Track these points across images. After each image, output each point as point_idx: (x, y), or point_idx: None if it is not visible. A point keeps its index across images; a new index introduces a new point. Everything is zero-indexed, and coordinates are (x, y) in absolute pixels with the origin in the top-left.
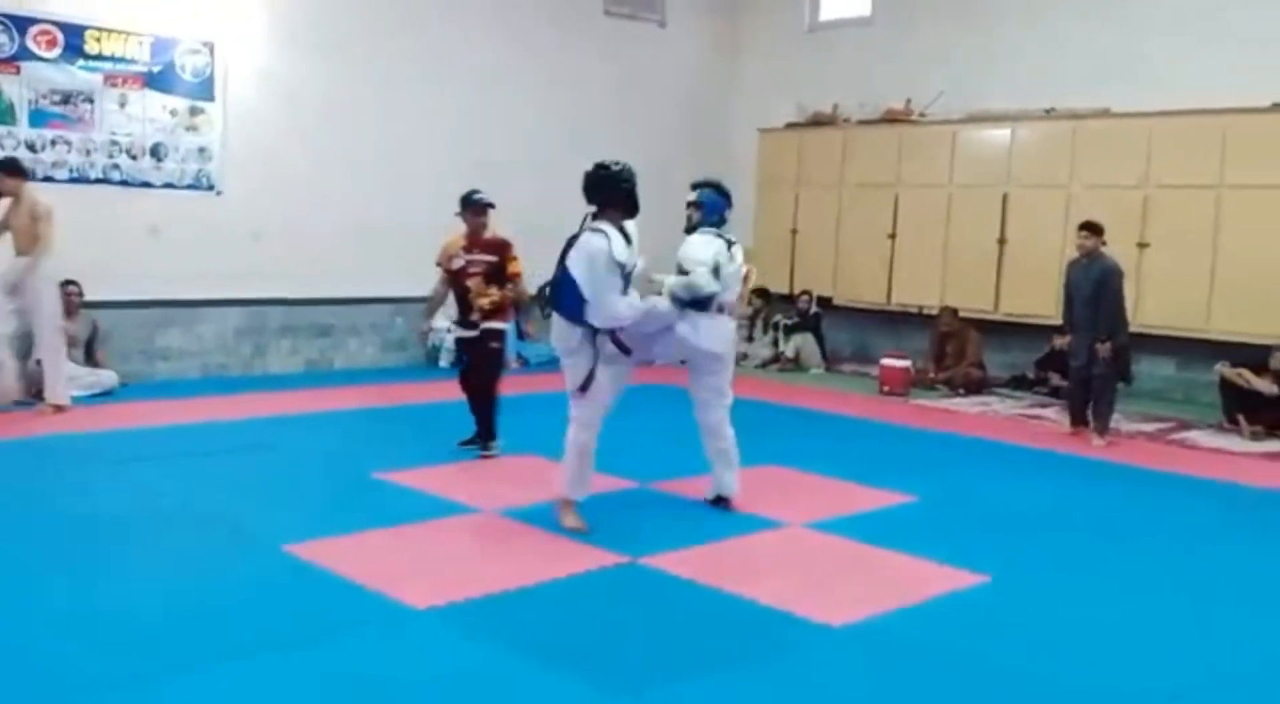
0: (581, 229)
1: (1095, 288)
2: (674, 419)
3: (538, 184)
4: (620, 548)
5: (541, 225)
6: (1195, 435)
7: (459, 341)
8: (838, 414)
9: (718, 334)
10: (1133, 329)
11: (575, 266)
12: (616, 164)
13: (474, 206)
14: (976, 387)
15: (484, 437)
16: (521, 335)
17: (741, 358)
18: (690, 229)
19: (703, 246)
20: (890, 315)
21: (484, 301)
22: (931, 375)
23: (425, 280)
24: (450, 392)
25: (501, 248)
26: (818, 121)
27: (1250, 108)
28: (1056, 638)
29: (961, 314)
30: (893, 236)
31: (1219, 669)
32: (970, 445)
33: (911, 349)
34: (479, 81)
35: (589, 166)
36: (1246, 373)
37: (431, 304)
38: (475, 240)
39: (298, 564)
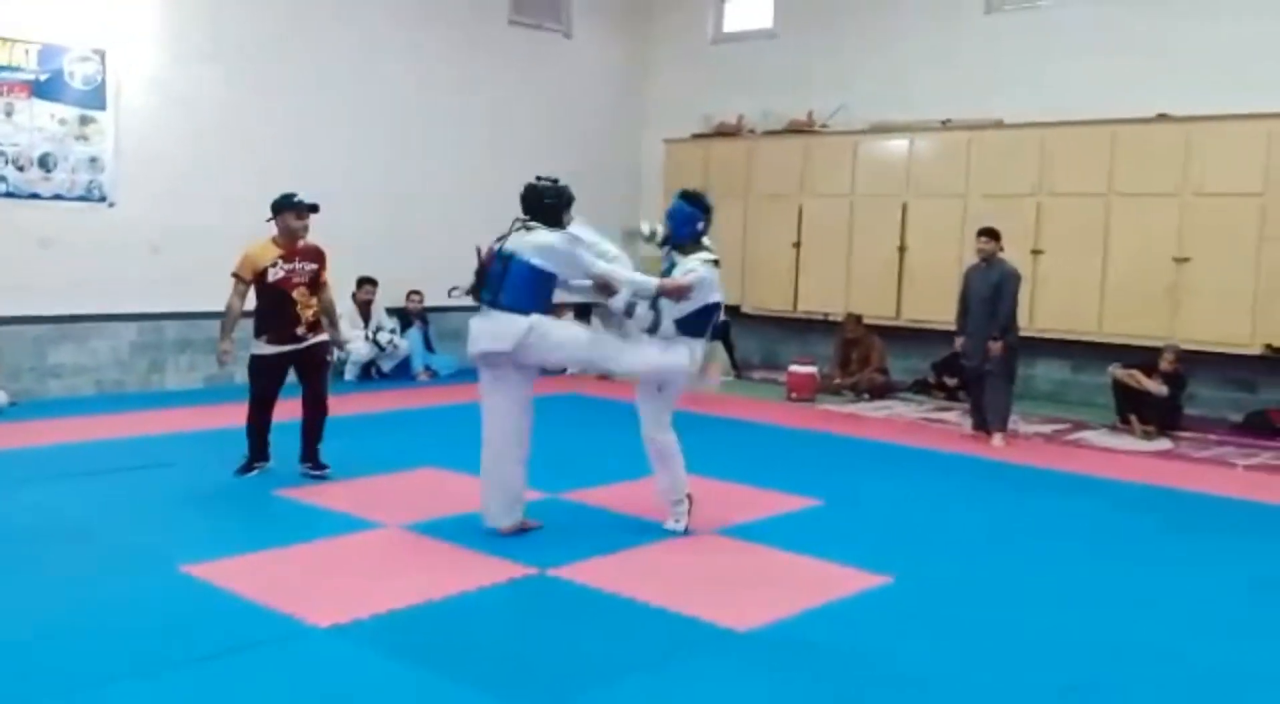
0: (511, 230)
1: (994, 291)
2: (583, 429)
3: (442, 192)
4: (528, 560)
5: (447, 234)
6: (1090, 435)
7: (268, 358)
8: (747, 420)
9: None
10: (1028, 333)
11: (538, 255)
12: (554, 182)
13: (297, 209)
14: (881, 391)
15: (313, 457)
16: (429, 347)
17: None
18: (662, 243)
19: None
20: (797, 323)
21: (309, 313)
22: (837, 381)
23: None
24: (355, 405)
25: (320, 255)
26: (723, 132)
27: (1137, 118)
28: (957, 636)
29: (865, 321)
30: (797, 245)
31: (1111, 665)
32: (875, 449)
33: (818, 355)
34: (379, 90)
35: (495, 174)
36: (1138, 374)
37: (228, 321)
38: (293, 248)
39: (196, 584)
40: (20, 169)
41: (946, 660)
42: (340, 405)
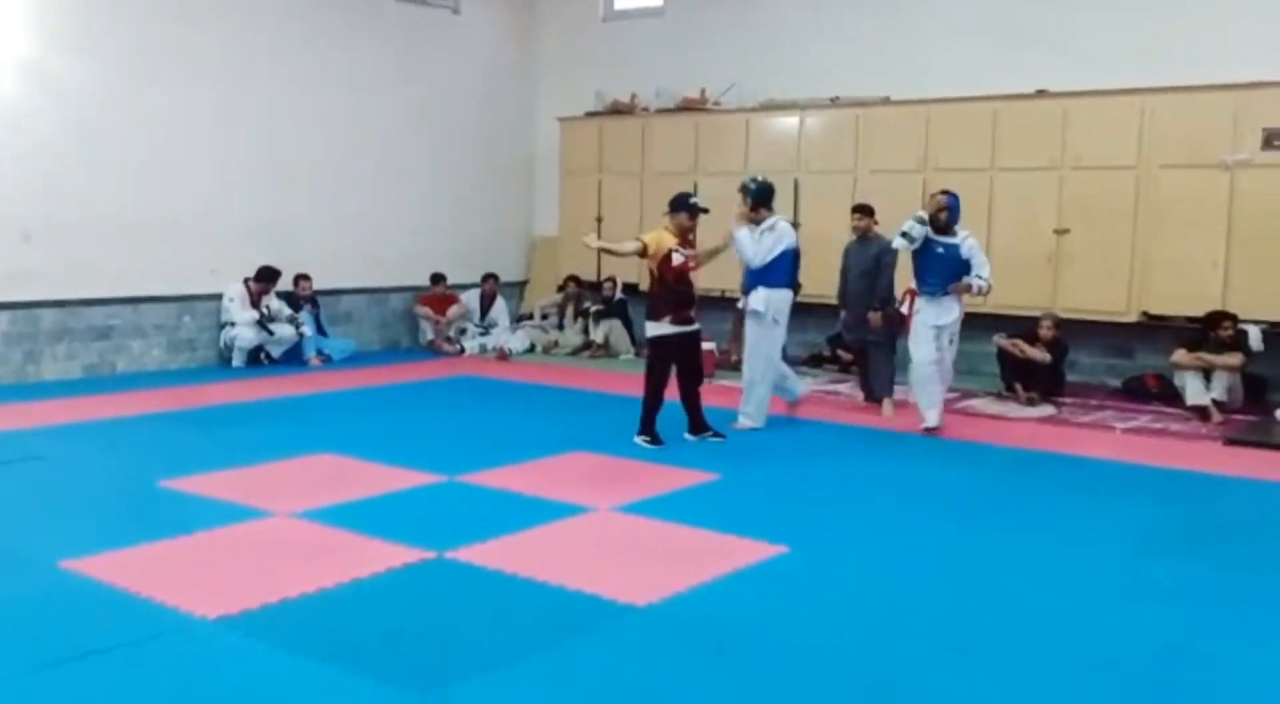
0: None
1: (873, 263)
2: (479, 412)
3: (327, 174)
4: (427, 543)
5: (333, 216)
6: (977, 403)
7: (671, 338)
8: (639, 397)
9: None
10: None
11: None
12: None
13: (691, 210)
14: None
15: (701, 427)
16: (321, 331)
17: (552, 346)
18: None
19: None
20: None
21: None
22: (734, 357)
23: (213, 277)
24: (243, 391)
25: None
26: (617, 110)
27: (1017, 94)
28: (850, 604)
29: None
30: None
31: (999, 627)
32: (770, 422)
33: (714, 331)
34: (259, 71)
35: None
36: (1021, 343)
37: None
38: (685, 240)
39: (77, 579)
40: None
41: (841, 628)
42: (230, 392)
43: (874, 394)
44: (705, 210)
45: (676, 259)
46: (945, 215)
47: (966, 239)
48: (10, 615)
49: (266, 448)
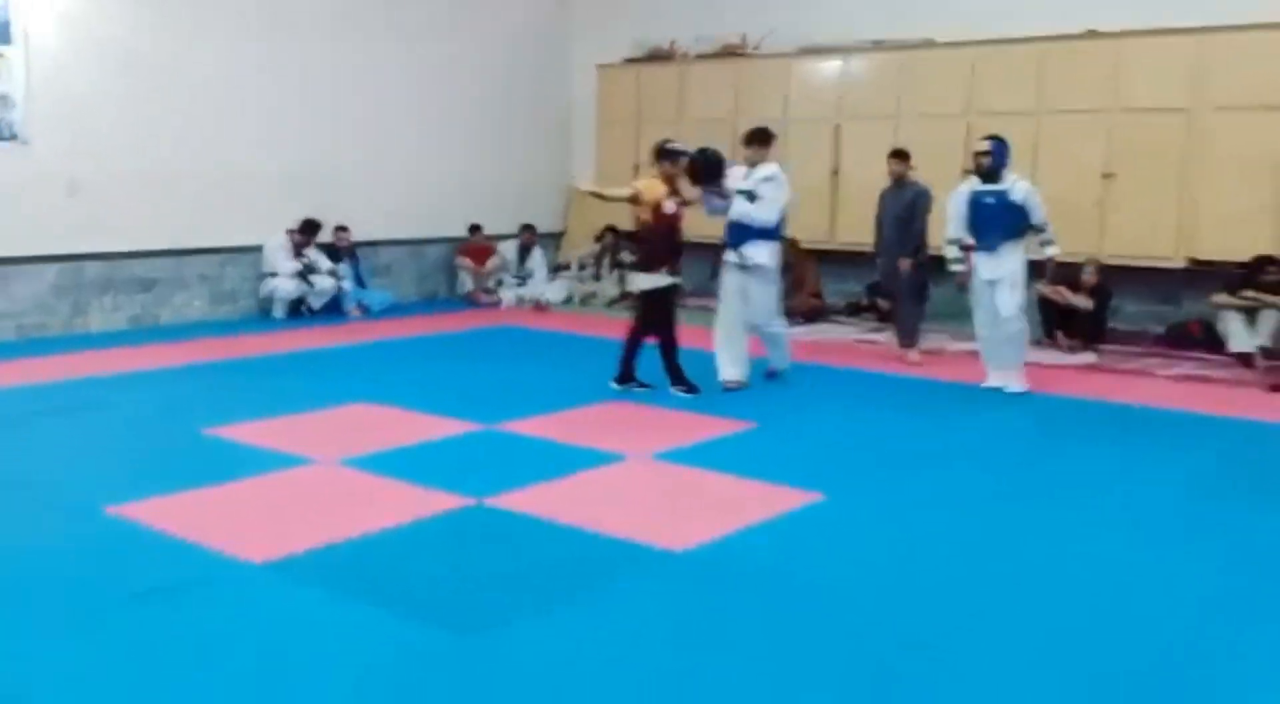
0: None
1: (908, 210)
2: (516, 363)
3: (365, 125)
4: (466, 490)
5: (373, 167)
6: None
7: (668, 288)
8: (684, 347)
9: None
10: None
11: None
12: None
13: (674, 157)
14: (815, 314)
15: (682, 379)
16: (360, 283)
17: (590, 297)
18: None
19: None
20: None
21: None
22: None
23: (255, 227)
24: (284, 342)
25: (684, 202)
26: (655, 57)
27: (1064, 34)
28: (889, 551)
29: (800, 244)
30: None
31: (1049, 570)
32: (809, 371)
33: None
34: (299, 22)
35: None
36: (1063, 290)
37: (608, 191)
38: (674, 187)
39: (124, 525)
40: None
41: (879, 575)
42: (271, 343)
43: (902, 342)
44: (686, 154)
45: (669, 207)
46: (987, 161)
47: (1017, 184)
48: (59, 560)
49: (308, 398)
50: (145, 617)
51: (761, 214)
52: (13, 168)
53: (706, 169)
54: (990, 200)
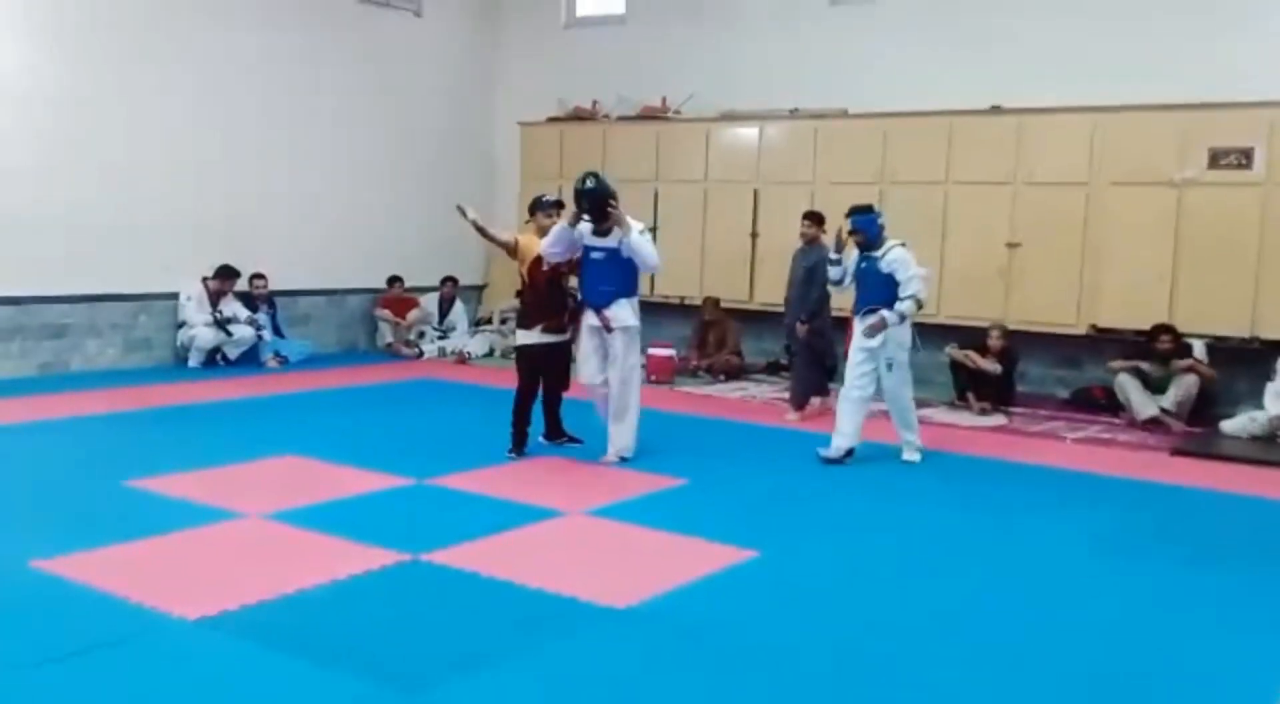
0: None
1: (808, 273)
2: (442, 415)
3: (286, 173)
4: (401, 546)
5: (291, 216)
6: (930, 412)
7: (539, 347)
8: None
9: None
10: None
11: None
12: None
13: (550, 206)
14: (736, 373)
15: (559, 433)
16: (278, 333)
17: (511, 351)
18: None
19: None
20: (653, 306)
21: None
22: (694, 363)
23: (171, 275)
24: (202, 392)
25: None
26: (579, 116)
27: (971, 110)
28: (822, 606)
29: (721, 304)
30: (654, 230)
31: (965, 622)
32: (733, 429)
33: (673, 337)
34: (219, 71)
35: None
36: (973, 354)
37: (494, 235)
38: None
39: (51, 579)
40: None
41: (815, 629)
42: (188, 393)
43: (791, 401)
44: (560, 204)
45: (547, 262)
46: (861, 239)
47: (890, 251)
48: None
49: (231, 449)
50: (79, 674)
51: (652, 254)
52: None
53: (591, 200)
54: (864, 265)
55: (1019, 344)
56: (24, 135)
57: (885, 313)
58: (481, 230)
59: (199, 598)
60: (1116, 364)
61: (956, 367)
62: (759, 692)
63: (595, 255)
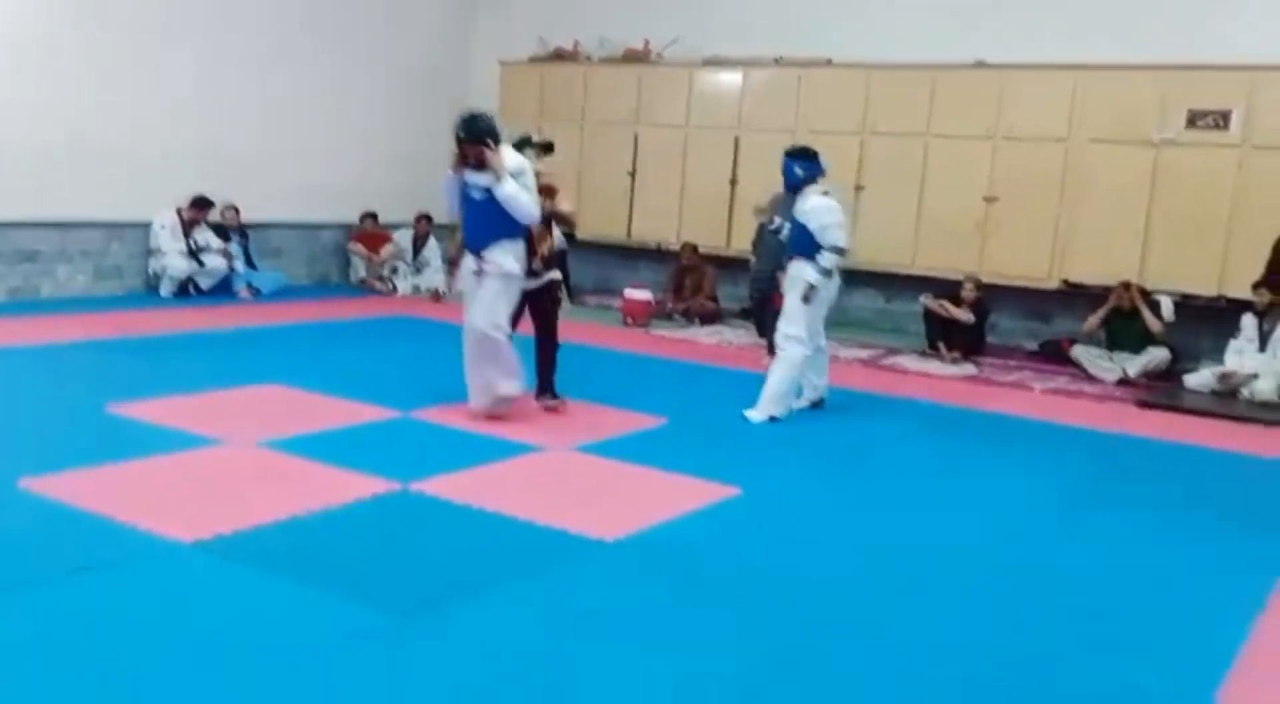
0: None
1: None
2: (421, 351)
3: (259, 106)
4: (389, 475)
5: (263, 148)
6: (903, 361)
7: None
8: (585, 344)
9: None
10: (847, 265)
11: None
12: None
13: (539, 147)
14: (711, 317)
15: (550, 389)
16: (250, 264)
17: None
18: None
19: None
20: (630, 250)
21: (544, 248)
22: (670, 307)
23: (144, 203)
24: (175, 321)
25: (552, 193)
26: (560, 57)
27: (954, 64)
28: (803, 540)
29: (699, 250)
30: (633, 174)
31: (942, 560)
32: (709, 372)
33: (649, 282)
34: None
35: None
36: (947, 304)
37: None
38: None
39: (42, 500)
40: None
41: (797, 560)
42: (162, 321)
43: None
44: (549, 147)
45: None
46: (784, 181)
47: (808, 200)
48: None
49: (212, 377)
50: (78, 592)
51: (528, 203)
52: None
53: (463, 141)
54: (793, 218)
55: (991, 296)
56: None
57: (809, 278)
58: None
59: (193, 521)
60: (1090, 324)
61: (930, 316)
62: (747, 620)
63: (475, 195)
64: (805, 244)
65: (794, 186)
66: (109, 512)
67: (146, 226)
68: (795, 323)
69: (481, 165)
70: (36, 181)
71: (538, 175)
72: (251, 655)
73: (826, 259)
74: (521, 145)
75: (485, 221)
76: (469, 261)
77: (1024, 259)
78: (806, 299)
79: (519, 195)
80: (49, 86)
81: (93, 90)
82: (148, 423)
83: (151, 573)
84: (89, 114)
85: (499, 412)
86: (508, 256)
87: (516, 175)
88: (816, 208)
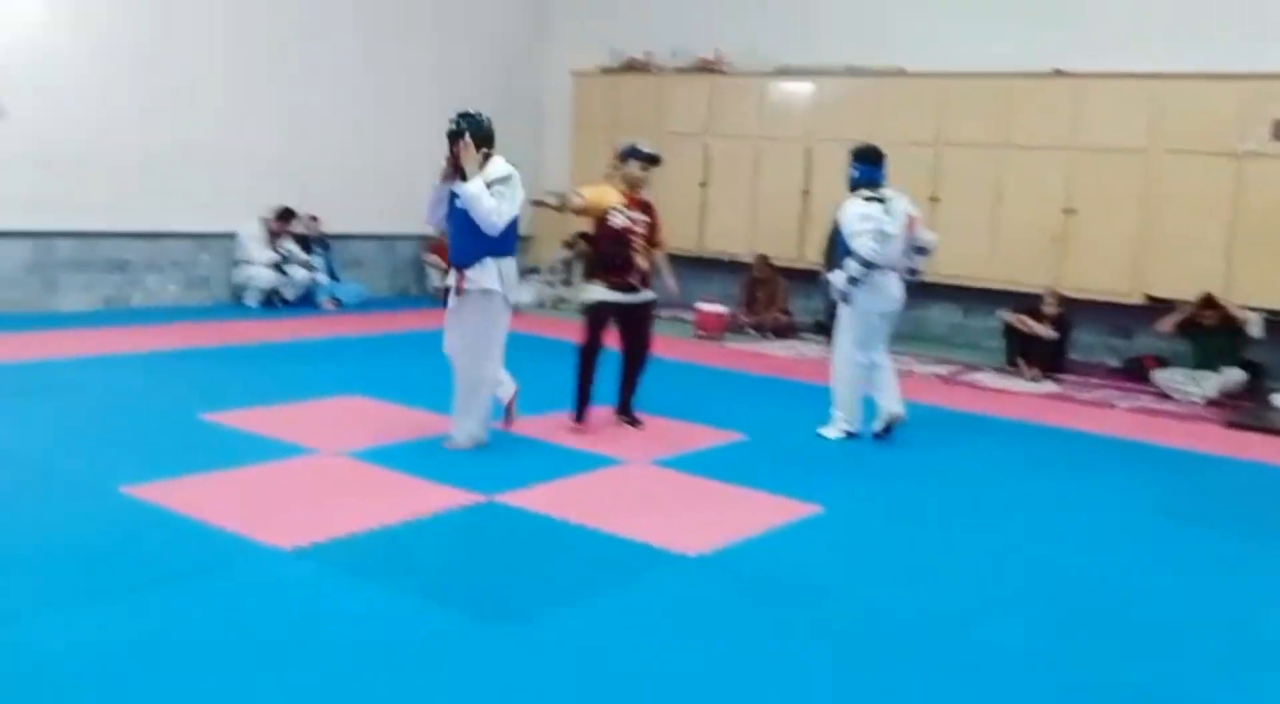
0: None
1: None
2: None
3: (340, 117)
4: (473, 486)
5: (346, 159)
6: (981, 377)
7: (605, 305)
8: (660, 357)
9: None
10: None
11: None
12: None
13: (646, 159)
14: (784, 331)
15: (628, 407)
16: (333, 276)
17: (560, 302)
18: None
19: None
20: (701, 262)
21: (644, 264)
22: (743, 319)
23: (230, 214)
24: (262, 332)
25: (651, 210)
26: (632, 67)
27: (1032, 72)
28: (891, 560)
29: (771, 262)
30: (704, 185)
31: (1033, 582)
32: (786, 386)
33: (720, 294)
34: (283, 13)
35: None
36: (1028, 319)
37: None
38: (632, 197)
39: (143, 506)
40: None
41: (882, 584)
42: (250, 332)
43: None
44: (655, 159)
45: (616, 221)
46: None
47: (844, 205)
48: (85, 540)
49: (298, 387)
50: (182, 596)
51: (489, 207)
52: None
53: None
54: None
55: (1071, 311)
56: (91, 73)
57: (830, 275)
58: (559, 207)
59: (289, 529)
60: (1166, 325)
61: (1010, 331)
62: (831, 643)
63: (459, 204)
64: (843, 250)
65: (853, 188)
66: (209, 518)
67: (232, 237)
68: (841, 332)
69: (457, 165)
70: (128, 193)
71: (636, 184)
72: (347, 660)
73: (851, 267)
74: (627, 155)
75: (470, 235)
76: (451, 277)
77: (1105, 273)
78: (844, 299)
79: (481, 198)
80: (142, 102)
81: (183, 105)
82: (240, 430)
83: (252, 579)
84: (179, 128)
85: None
86: (490, 273)
87: (499, 181)
88: (845, 213)
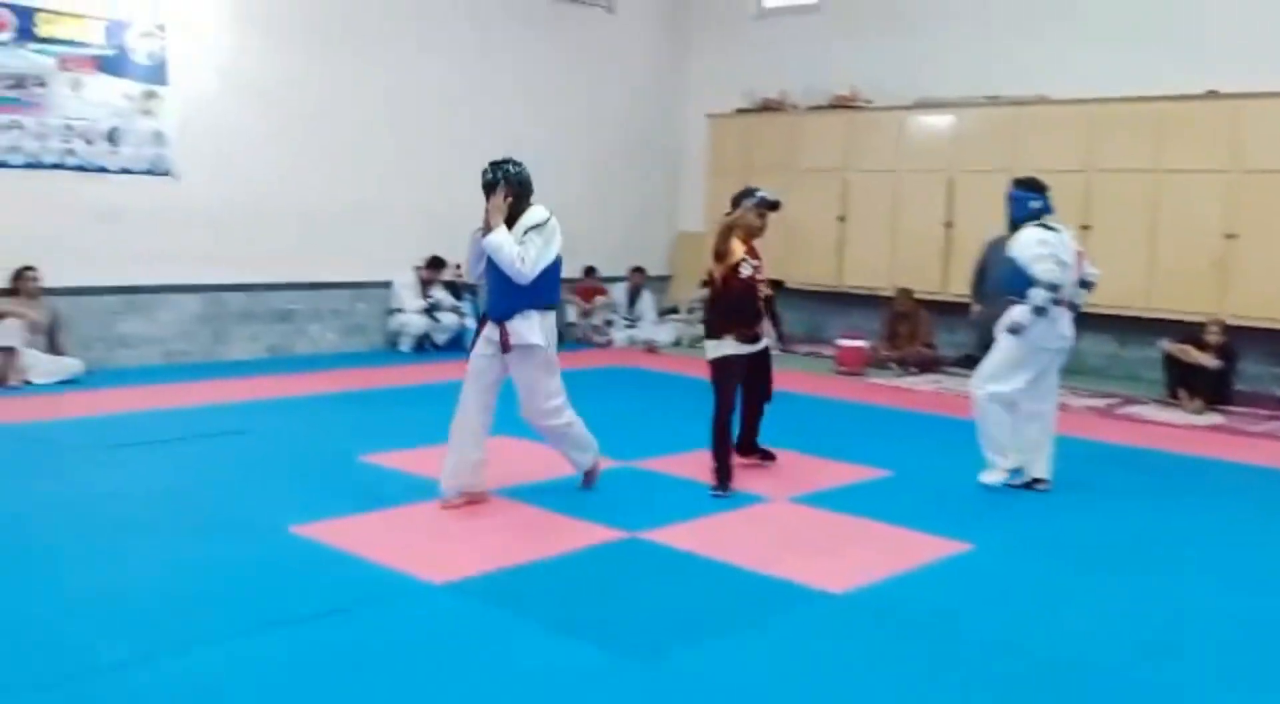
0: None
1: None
2: (638, 402)
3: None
4: (617, 523)
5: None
6: (1142, 410)
7: (737, 359)
8: (800, 393)
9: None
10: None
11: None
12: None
13: (769, 206)
14: (928, 365)
15: (753, 446)
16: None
17: (698, 341)
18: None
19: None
20: (840, 296)
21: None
22: (884, 354)
23: (381, 265)
24: (416, 375)
25: (758, 255)
26: (767, 108)
27: (1185, 95)
28: (1042, 601)
29: (914, 295)
30: (842, 219)
31: (1194, 625)
32: (931, 421)
33: (862, 328)
34: (429, 71)
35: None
36: (1190, 348)
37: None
38: (751, 245)
39: (309, 544)
40: (89, 142)
41: (1035, 623)
42: (404, 376)
43: None
44: (776, 205)
45: (745, 271)
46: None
47: (1020, 235)
48: (257, 576)
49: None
50: (343, 628)
51: (513, 256)
52: (165, 202)
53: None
54: (1002, 251)
55: (1235, 339)
56: (256, 132)
57: (1014, 309)
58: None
59: (443, 564)
60: None
61: (1170, 361)
62: (978, 686)
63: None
64: (1017, 282)
65: (1014, 220)
66: (372, 555)
67: (386, 286)
68: (990, 370)
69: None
70: (289, 246)
71: (755, 233)
72: (489, 690)
73: (1038, 296)
74: (742, 196)
75: (510, 287)
76: (489, 330)
77: (1270, 299)
78: (1014, 331)
79: (503, 248)
80: (305, 164)
81: (345, 165)
82: (397, 471)
83: (407, 612)
84: (340, 186)
85: (472, 496)
86: (533, 327)
87: (534, 229)
88: (1022, 241)
